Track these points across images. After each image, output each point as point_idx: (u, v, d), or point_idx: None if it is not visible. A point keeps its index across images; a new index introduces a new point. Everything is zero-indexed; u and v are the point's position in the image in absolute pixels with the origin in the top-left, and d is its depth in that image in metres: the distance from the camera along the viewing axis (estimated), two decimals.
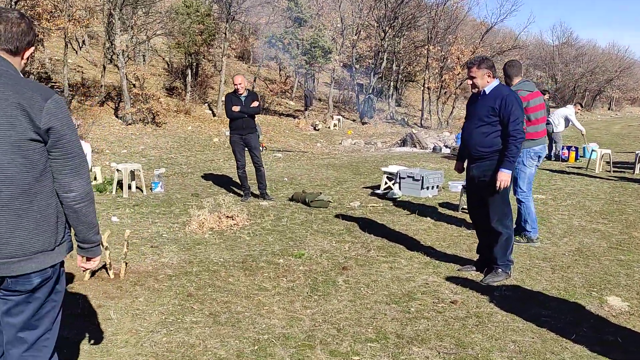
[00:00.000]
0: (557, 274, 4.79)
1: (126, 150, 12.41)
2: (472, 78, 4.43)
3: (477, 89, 4.47)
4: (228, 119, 7.86)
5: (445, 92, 25.82)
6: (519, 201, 5.67)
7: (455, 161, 5.22)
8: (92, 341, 3.35)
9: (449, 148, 16.01)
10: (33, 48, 2.13)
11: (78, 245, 2.21)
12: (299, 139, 18.59)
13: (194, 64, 23.05)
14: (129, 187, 8.26)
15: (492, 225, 4.51)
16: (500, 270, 4.55)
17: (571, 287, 4.46)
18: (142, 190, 8.28)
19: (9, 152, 1.91)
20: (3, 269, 1.95)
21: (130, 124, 15.09)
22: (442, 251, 5.48)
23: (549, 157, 13.01)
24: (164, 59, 25.39)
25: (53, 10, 15.81)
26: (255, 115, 7.97)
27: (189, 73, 21.76)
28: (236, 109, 7.61)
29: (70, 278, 4.42)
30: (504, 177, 4.29)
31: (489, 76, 4.39)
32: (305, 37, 21.67)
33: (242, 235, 5.99)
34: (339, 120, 23.13)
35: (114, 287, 4.28)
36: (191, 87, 21.43)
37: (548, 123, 12.04)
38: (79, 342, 3.36)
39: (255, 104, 7.77)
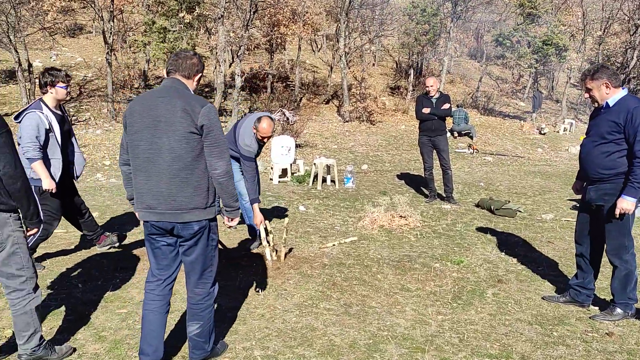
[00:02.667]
0: None
1: (337, 146, 13.32)
2: (588, 91, 3.90)
3: (596, 103, 3.92)
4: (418, 121, 7.97)
5: None
6: None
7: None
8: (236, 310, 3.88)
9: None
10: (201, 74, 3.05)
11: (223, 209, 3.06)
12: (519, 142, 17.55)
13: (418, 63, 23.39)
14: (324, 180, 8.94)
15: (608, 257, 3.97)
16: (617, 309, 3.95)
17: None
18: (335, 184, 8.89)
19: (178, 140, 2.79)
20: (176, 216, 2.86)
21: (347, 122, 16.09)
22: None
23: None
24: (393, 58, 26.26)
25: (291, 17, 17.65)
26: (446, 118, 7.92)
27: (412, 73, 22.19)
28: (426, 110, 7.68)
29: (232, 259, 5.11)
30: (624, 205, 3.69)
31: (607, 86, 3.79)
32: (536, 35, 20.26)
33: (408, 236, 6.09)
34: (571, 124, 21.08)
35: (273, 268, 4.81)
36: (412, 86, 21.83)
37: None
38: (228, 309, 3.92)
39: (446, 106, 7.72)
